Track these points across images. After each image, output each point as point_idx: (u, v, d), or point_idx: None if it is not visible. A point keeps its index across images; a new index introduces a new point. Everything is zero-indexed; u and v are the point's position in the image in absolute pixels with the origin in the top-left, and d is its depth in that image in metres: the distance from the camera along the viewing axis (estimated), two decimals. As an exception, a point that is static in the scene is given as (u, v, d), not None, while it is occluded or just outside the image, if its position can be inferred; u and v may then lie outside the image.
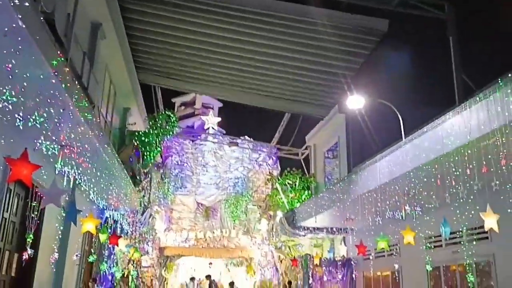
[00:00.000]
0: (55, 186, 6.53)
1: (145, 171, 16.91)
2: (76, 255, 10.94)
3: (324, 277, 17.82)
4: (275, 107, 20.60)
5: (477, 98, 8.10)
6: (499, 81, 7.65)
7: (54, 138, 6.91)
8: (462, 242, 11.79)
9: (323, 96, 18.75)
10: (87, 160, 8.96)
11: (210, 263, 23.65)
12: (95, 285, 14.17)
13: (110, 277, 15.59)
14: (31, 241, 7.10)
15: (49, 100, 6.45)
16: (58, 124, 6.86)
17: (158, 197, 23.88)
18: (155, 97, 20.21)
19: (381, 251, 15.72)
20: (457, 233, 11.60)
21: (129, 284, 16.54)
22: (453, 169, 8.65)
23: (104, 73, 14.97)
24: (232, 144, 27.77)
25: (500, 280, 10.90)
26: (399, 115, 12.48)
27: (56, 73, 6.25)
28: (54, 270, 10.96)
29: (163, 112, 18.66)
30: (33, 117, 6.07)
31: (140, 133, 17.41)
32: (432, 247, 13.30)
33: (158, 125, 17.83)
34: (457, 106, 8.77)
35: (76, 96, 7.17)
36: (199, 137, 28.61)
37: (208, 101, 33.37)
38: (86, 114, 7.83)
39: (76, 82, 7.26)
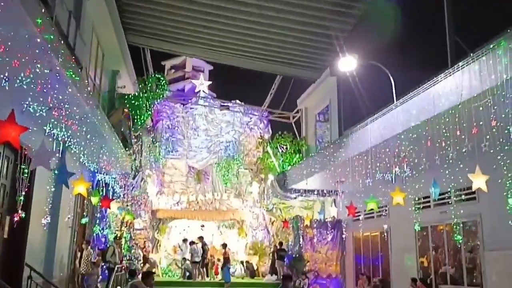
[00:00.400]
0: (44, 148, 6.47)
1: (135, 134, 16.82)
2: (68, 217, 10.95)
3: (315, 238, 18.16)
4: (265, 70, 20.40)
5: (469, 59, 8.06)
6: (492, 42, 7.60)
7: (41, 99, 6.79)
8: (450, 203, 12.02)
9: (314, 59, 18.57)
10: (76, 122, 8.88)
11: (202, 226, 23.92)
12: (89, 246, 14.31)
13: (103, 239, 15.77)
14: (21, 203, 7.07)
15: (35, 61, 6.30)
16: (45, 86, 6.74)
17: (149, 161, 23.88)
18: (145, 60, 19.85)
19: (371, 212, 15.99)
20: (446, 194, 11.80)
21: (122, 245, 16.74)
22: (444, 131, 8.68)
23: (91, 34, 14.62)
24: (223, 107, 27.63)
25: (485, 239, 11.18)
26: (391, 78, 12.43)
27: (41, 32, 6.08)
28: (47, 232, 11.06)
29: (153, 75, 18.39)
30: (19, 78, 5.93)
31: (130, 96, 17.21)
32: (421, 208, 13.54)
33: (148, 88, 17.61)
34: (449, 68, 8.73)
35: (62, 57, 7.01)
36: (189, 101, 28.39)
37: (198, 64, 32.92)
38: (73, 75, 7.67)
39: (62, 42, 7.07)
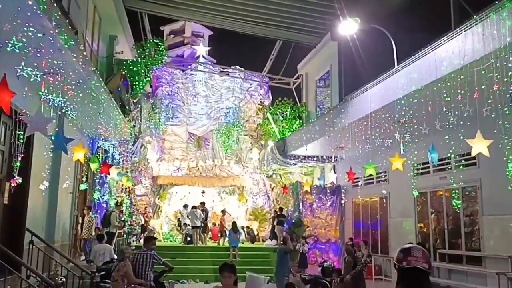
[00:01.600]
0: (40, 114, 6.39)
1: (134, 101, 16.69)
2: (67, 183, 10.96)
3: (314, 204, 18.29)
4: (265, 35, 20.06)
5: (473, 22, 7.86)
6: (496, 4, 7.39)
7: (35, 64, 6.66)
8: (450, 168, 12.02)
9: (315, 23, 18.19)
10: (73, 88, 8.77)
11: (203, 192, 24.08)
12: (90, 212, 14.44)
13: (104, 205, 15.91)
14: (18, 169, 7.05)
15: (27, 24, 6.14)
16: (38, 50, 6.60)
17: (149, 127, 23.83)
18: (142, 25, 19.49)
19: (370, 178, 16.01)
20: (446, 159, 11.78)
21: (124, 211, 16.90)
22: (445, 95, 8.57)
23: (87, -2, 14.30)
24: (223, 73, 27.34)
25: (484, 204, 11.22)
26: (392, 41, 12.19)
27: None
28: (47, 198, 11.11)
29: (151, 40, 18.08)
30: (11, 42, 5.79)
31: (128, 61, 16.97)
32: (420, 173, 13.56)
33: (146, 53, 17.35)
34: (452, 31, 8.53)
35: (55, 20, 6.83)
36: (189, 67, 28.08)
37: (198, 29, 32.26)
38: (68, 39, 7.51)
39: (55, 5, 6.88)
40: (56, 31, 6.93)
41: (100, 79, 10.51)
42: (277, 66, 24.76)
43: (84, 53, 8.68)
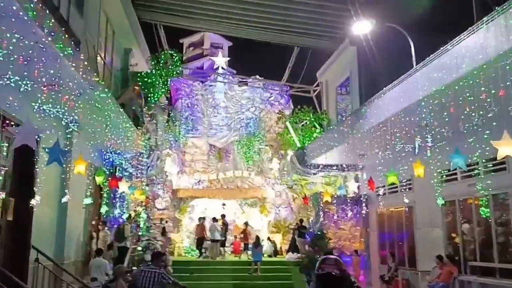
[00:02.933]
0: (28, 125, 6.08)
1: (149, 113, 16.46)
2: (67, 198, 10.62)
3: (336, 215, 17.60)
4: (283, 42, 19.65)
5: (495, 14, 7.21)
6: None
7: (25, 73, 6.37)
8: (478, 174, 11.21)
9: (332, 27, 17.69)
10: (74, 99, 8.48)
11: (224, 204, 23.62)
12: (105, 227, 14.17)
13: (120, 220, 15.62)
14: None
15: (13, 31, 5.85)
16: (29, 59, 6.30)
17: (168, 140, 23.63)
18: (158, 37, 19.37)
19: (394, 186, 15.27)
20: (473, 164, 11.00)
21: (140, 226, 16.59)
22: (467, 95, 7.90)
23: (98, 10, 14.18)
24: (242, 83, 26.99)
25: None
26: (410, 41, 11.54)
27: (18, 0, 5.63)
28: (56, 213, 10.86)
29: (166, 52, 17.90)
30: (-8, 50, 5.51)
31: (143, 73, 16.80)
32: (447, 180, 12.76)
33: (161, 65, 17.15)
34: (473, 25, 7.89)
35: (48, 28, 6.55)
36: (208, 78, 27.87)
37: (217, 40, 32.21)
38: (63, 47, 7.23)
39: (48, 12, 6.60)
40: (49, 39, 6.65)
41: (106, 89, 10.26)
42: (296, 75, 24.30)
43: (86, 63, 8.40)
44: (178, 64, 17.78)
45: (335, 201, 17.42)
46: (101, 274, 11.00)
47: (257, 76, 26.83)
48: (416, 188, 14.41)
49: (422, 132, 10.17)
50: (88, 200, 11.87)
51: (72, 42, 7.79)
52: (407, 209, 14.68)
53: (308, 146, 18.15)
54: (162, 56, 17.40)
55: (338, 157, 15.67)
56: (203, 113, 27.20)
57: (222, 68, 28.01)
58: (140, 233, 16.60)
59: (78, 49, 8.35)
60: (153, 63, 17.30)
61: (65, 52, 7.35)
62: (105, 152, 13.23)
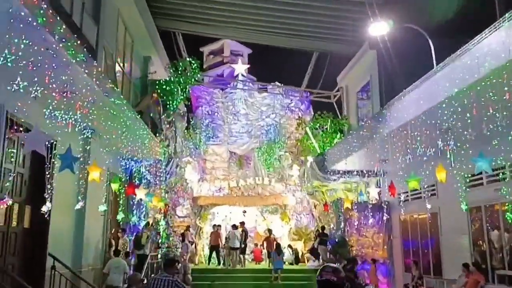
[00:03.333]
0: (37, 131, 6.05)
1: (168, 120, 16.46)
2: (81, 205, 10.60)
3: (356, 221, 17.22)
4: (302, 47, 19.48)
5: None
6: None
7: (35, 79, 6.36)
8: (504, 179, 10.77)
9: (351, 31, 17.42)
10: (88, 106, 8.48)
11: (244, 211, 23.46)
12: (125, 235, 14.16)
13: (140, 228, 15.61)
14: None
15: (23, 36, 5.85)
16: (39, 65, 6.29)
17: (188, 147, 23.67)
18: (176, 45, 19.43)
19: (417, 192, 14.87)
20: (499, 169, 10.57)
21: (160, 233, 16.56)
22: (490, 95, 7.56)
23: (116, 18, 14.30)
24: (262, 90, 26.88)
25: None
26: (430, 43, 11.20)
27: (25, 5, 5.63)
28: (74, 220, 10.88)
29: (184, 59, 17.92)
30: (3, 55, 5.50)
31: (161, 81, 16.85)
32: (471, 185, 12.32)
33: (179, 72, 17.17)
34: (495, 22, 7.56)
35: (59, 34, 6.54)
36: (228, 85, 27.85)
37: (237, 48, 32.27)
38: (75, 53, 7.23)
39: (58, 18, 6.60)
40: (61, 45, 6.65)
41: (121, 96, 10.26)
42: (316, 80, 24.07)
43: (100, 69, 8.41)
44: (196, 71, 17.72)
45: (356, 208, 17.03)
46: (119, 274, 11.20)
47: (277, 83, 26.71)
48: (440, 193, 13.98)
49: (444, 135, 9.82)
50: (103, 207, 11.86)
51: (85, 49, 7.77)
52: (431, 215, 14.22)
53: (327, 151, 17.84)
54: (180, 64, 17.39)
55: (358, 162, 15.34)
56: (224, 120, 27.22)
57: (242, 75, 28.00)
58: (160, 241, 16.56)
59: (91, 55, 8.33)
60: (171, 70, 17.30)
61: (77, 59, 7.34)
62: (121, 159, 13.23)
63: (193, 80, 17.62)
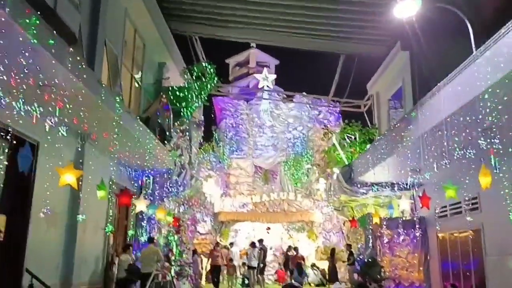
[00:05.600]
0: None
1: (181, 128, 15.39)
2: (80, 218, 9.55)
3: (386, 239, 15.46)
4: (328, 49, 18.09)
5: None
6: None
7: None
8: None
9: (381, 29, 15.93)
10: (66, 100, 7.41)
11: (268, 228, 22.04)
12: (127, 251, 12.96)
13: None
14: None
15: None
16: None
17: (209, 160, 22.61)
18: (194, 51, 18.43)
19: (457, 206, 13.11)
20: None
21: (172, 250, 15.35)
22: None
23: (122, 18, 13.40)
24: (288, 101, 25.60)
25: None
26: (468, 24, 9.64)
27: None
28: (64, 234, 9.78)
29: (201, 64, 16.88)
30: None
31: (174, 87, 15.85)
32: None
33: (194, 78, 16.14)
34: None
35: (12, 10, 5.51)
36: (254, 96, 26.73)
37: (263, 59, 31.24)
38: (42, 36, 6.20)
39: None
40: (15, 22, 5.61)
41: (112, 95, 9.22)
42: (344, 90, 22.58)
43: (78, 58, 7.34)
44: (213, 77, 16.61)
45: (385, 224, 15.27)
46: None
47: (304, 93, 25.39)
48: (483, 206, 12.13)
49: (486, 134, 8.22)
50: (109, 228, 10.83)
51: (60, 34, 6.78)
52: (473, 232, 12.41)
53: (354, 161, 16.26)
54: (195, 69, 16.35)
55: (388, 172, 13.71)
56: (248, 133, 26.11)
57: (267, 86, 26.82)
58: (172, 258, 15.34)
59: (71, 44, 7.30)
60: (186, 76, 16.29)
61: (48, 43, 6.34)
62: (121, 167, 12.16)
63: (209, 86, 16.50)
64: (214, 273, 16.59)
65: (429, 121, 9.73)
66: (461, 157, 9.07)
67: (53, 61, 6.49)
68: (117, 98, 9.14)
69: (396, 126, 11.79)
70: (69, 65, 6.95)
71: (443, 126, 9.01)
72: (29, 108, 7.13)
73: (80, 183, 9.93)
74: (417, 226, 14.73)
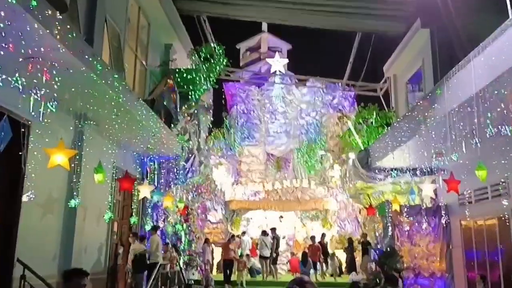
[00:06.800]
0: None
1: (189, 112, 14.66)
2: (73, 203, 8.89)
3: (407, 227, 14.62)
4: (343, 27, 17.08)
5: None
6: None
7: None
8: None
9: (399, 3, 14.94)
10: (54, 72, 6.71)
11: (281, 217, 21.31)
12: (136, 240, 12.37)
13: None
14: None
15: None
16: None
17: (220, 147, 21.90)
18: (202, 32, 17.59)
19: (483, 191, 12.22)
20: None
21: (181, 239, 14.73)
22: None
23: (124, -5, 12.69)
24: (301, 86, 24.68)
25: None
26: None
27: None
28: (62, 221, 9.16)
29: (206, 45, 16.09)
30: None
31: (182, 69, 15.10)
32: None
33: (202, 59, 15.38)
34: None
35: None
36: (265, 82, 25.86)
37: (275, 44, 30.33)
38: (30, 2, 5.50)
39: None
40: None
41: (116, 76, 8.49)
42: (359, 73, 21.60)
43: (68, 26, 6.61)
44: (222, 58, 15.80)
45: (406, 211, 14.40)
46: None
47: (318, 77, 24.44)
48: (513, 192, 11.26)
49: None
50: (108, 215, 10.19)
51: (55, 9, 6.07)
52: (502, 220, 11.53)
53: (371, 146, 15.38)
54: (204, 50, 15.56)
55: (409, 156, 12.83)
56: (260, 119, 25.24)
57: (279, 71, 25.92)
58: (180, 248, 14.74)
59: (59, 11, 6.56)
60: (193, 57, 15.52)
61: (36, 13, 5.65)
62: (124, 151, 11.50)
63: (218, 68, 15.71)
64: (226, 266, 15.50)
65: (456, 97, 8.85)
66: (495, 135, 8.17)
67: (36, 25, 5.77)
68: (115, 74, 8.38)
69: (419, 104, 10.89)
70: (57, 32, 6.22)
71: (473, 102, 8.14)
72: (16, 83, 6.45)
73: (78, 167, 9.39)
74: (439, 213, 13.87)
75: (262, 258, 16.05)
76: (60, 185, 9.02)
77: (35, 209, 8.15)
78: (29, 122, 7.69)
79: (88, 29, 10.04)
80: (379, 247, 15.16)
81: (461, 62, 8.79)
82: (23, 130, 7.52)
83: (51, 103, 6.44)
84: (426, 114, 10.09)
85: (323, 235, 18.32)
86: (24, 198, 6.81)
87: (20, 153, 7.41)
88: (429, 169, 13.29)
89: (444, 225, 13.95)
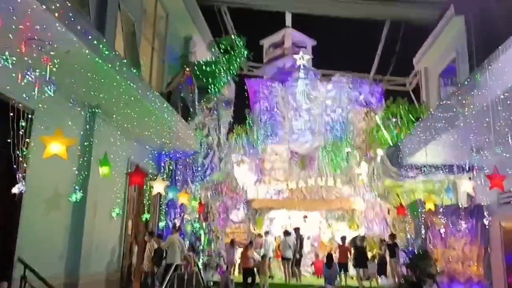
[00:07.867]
0: None
1: (208, 106, 14.03)
2: (74, 197, 8.33)
3: (442, 228, 13.60)
4: (371, 15, 16.23)
5: None
6: None
7: None
8: None
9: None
10: (53, 54, 6.13)
11: (305, 217, 20.49)
12: (152, 239, 11.79)
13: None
14: None
15: None
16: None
17: (242, 145, 21.28)
18: (223, 25, 16.97)
19: (526, 190, 11.16)
20: None
21: (200, 238, 14.10)
22: None
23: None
24: (326, 82, 23.83)
25: None
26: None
27: None
28: (70, 218, 8.62)
29: (227, 37, 15.44)
30: None
31: (201, 61, 14.49)
32: None
33: (222, 51, 14.73)
34: None
35: None
36: (289, 78, 25.09)
37: (299, 39, 29.45)
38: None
39: None
40: None
41: (127, 63, 7.91)
42: (387, 68, 20.64)
43: (79, 12, 6.02)
44: (242, 50, 15.12)
45: (442, 212, 13.37)
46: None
47: (344, 72, 23.58)
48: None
49: None
50: (116, 211, 9.65)
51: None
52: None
53: (402, 141, 14.41)
54: (224, 42, 14.92)
55: (443, 152, 11.88)
56: (284, 116, 24.49)
57: (304, 66, 25.11)
58: (199, 248, 14.12)
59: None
60: (213, 49, 14.89)
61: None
62: (136, 144, 10.92)
63: (238, 60, 15.04)
64: (246, 275, 13.88)
65: (498, 86, 7.92)
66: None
67: (34, 5, 5.19)
68: (123, 60, 7.79)
69: (455, 93, 9.93)
70: (55, 10, 5.63)
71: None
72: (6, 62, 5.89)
73: (87, 160, 8.87)
74: (478, 213, 12.83)
75: (284, 259, 15.26)
76: (67, 179, 8.49)
77: (38, 204, 7.61)
78: (32, 110, 7.15)
79: (99, 15, 9.50)
80: (410, 249, 14.17)
81: (505, 43, 7.84)
82: (29, 116, 6.96)
83: (49, 88, 5.84)
84: (464, 102, 9.15)
85: (363, 238, 17.00)
86: (15, 190, 6.23)
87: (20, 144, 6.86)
88: (466, 166, 12.24)
89: (487, 227, 12.86)
